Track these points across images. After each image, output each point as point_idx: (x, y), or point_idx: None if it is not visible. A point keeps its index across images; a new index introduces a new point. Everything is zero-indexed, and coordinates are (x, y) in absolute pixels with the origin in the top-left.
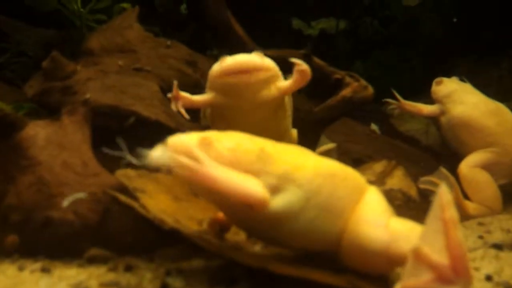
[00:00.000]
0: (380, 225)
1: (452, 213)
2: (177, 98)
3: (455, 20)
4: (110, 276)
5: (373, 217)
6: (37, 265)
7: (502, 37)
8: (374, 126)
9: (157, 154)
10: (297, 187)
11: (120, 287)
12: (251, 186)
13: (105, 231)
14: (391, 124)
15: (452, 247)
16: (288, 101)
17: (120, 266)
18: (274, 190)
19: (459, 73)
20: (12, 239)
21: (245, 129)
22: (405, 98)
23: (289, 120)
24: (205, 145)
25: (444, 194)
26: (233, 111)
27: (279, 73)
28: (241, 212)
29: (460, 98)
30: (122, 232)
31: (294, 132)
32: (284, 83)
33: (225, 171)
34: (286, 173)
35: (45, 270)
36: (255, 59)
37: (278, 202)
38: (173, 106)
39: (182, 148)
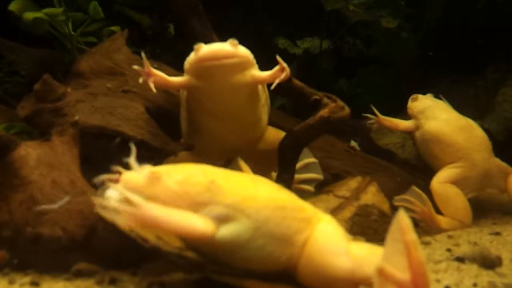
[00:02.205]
0: (342, 253)
1: (412, 235)
2: (149, 74)
3: (430, 53)
4: None
5: (334, 246)
6: (27, 278)
7: (478, 57)
8: (353, 143)
9: (109, 194)
10: (246, 217)
11: None
12: (193, 221)
13: (91, 246)
14: (371, 138)
15: (413, 265)
16: (262, 93)
17: (105, 280)
18: (223, 219)
19: (438, 92)
20: (2, 254)
21: (218, 113)
22: (388, 114)
23: (263, 110)
24: (154, 179)
25: (402, 219)
26: (207, 94)
27: (254, 62)
28: (192, 241)
29: (433, 114)
30: (107, 248)
31: (270, 129)
32: (259, 73)
33: (165, 210)
34: (235, 204)
35: (34, 284)
36: (228, 47)
37: (225, 232)
38: (141, 80)
39: (132, 184)
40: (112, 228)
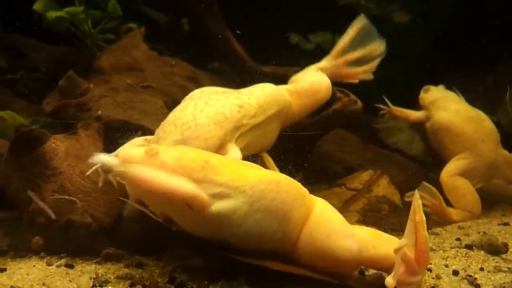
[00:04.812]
0: (349, 235)
1: (420, 215)
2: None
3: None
4: (125, 271)
5: (340, 228)
6: (62, 261)
7: (488, 52)
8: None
9: (106, 162)
10: (241, 193)
11: (134, 279)
12: (190, 187)
13: (118, 233)
14: (379, 137)
15: (419, 243)
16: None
17: (133, 264)
18: (219, 196)
19: (449, 87)
20: (37, 240)
21: None
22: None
23: None
24: (151, 155)
25: (415, 200)
26: None
27: None
28: (188, 216)
29: (443, 105)
30: (133, 235)
31: None
32: None
33: (164, 174)
34: (229, 181)
35: (69, 266)
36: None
37: (221, 206)
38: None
39: (129, 158)
40: (137, 217)
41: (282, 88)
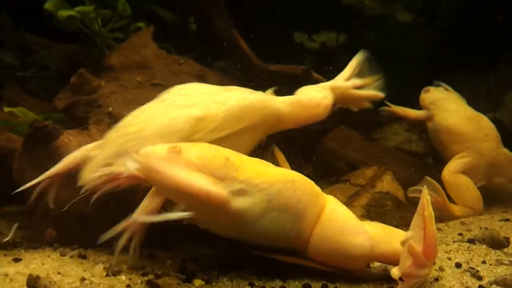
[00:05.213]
0: (361, 232)
1: (429, 211)
2: None
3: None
4: (137, 261)
5: (352, 226)
6: (75, 252)
7: (491, 52)
8: None
9: (131, 162)
10: (259, 191)
11: (146, 269)
12: (212, 186)
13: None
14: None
15: (427, 237)
16: None
17: (144, 254)
18: (238, 193)
19: (451, 86)
20: (50, 232)
21: None
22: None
23: None
24: (174, 153)
25: (424, 196)
26: None
27: None
28: (209, 214)
29: (443, 106)
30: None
31: None
32: None
33: (187, 172)
34: (248, 179)
35: (82, 256)
36: None
37: (241, 203)
38: None
39: (153, 156)
40: None
41: (273, 99)
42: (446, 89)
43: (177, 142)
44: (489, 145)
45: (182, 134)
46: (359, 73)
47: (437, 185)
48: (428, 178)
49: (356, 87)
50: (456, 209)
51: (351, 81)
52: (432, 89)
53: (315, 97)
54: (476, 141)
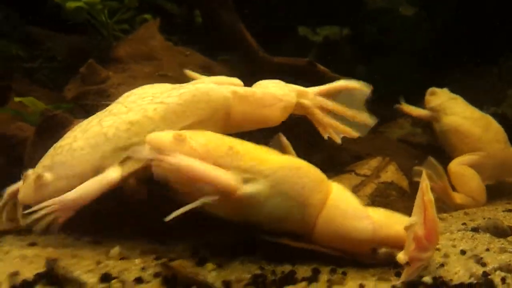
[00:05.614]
0: (364, 216)
1: (429, 195)
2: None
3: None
4: (149, 246)
5: (355, 210)
6: (89, 238)
7: (493, 46)
8: None
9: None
10: (263, 177)
11: (159, 253)
12: (222, 174)
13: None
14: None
15: (428, 221)
16: None
17: (155, 240)
18: (243, 181)
19: (454, 80)
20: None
21: None
22: (406, 100)
23: None
24: (179, 140)
25: (423, 181)
26: None
27: None
28: (217, 200)
29: (450, 108)
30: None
31: None
32: None
33: (198, 162)
34: (253, 167)
35: (95, 242)
36: None
37: (247, 189)
38: None
39: (159, 143)
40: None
41: (221, 88)
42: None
43: (110, 150)
44: (498, 145)
45: (115, 141)
46: (343, 100)
47: (440, 168)
48: (431, 159)
49: (325, 108)
50: (457, 197)
51: (324, 99)
52: (437, 91)
53: (272, 94)
54: (485, 142)
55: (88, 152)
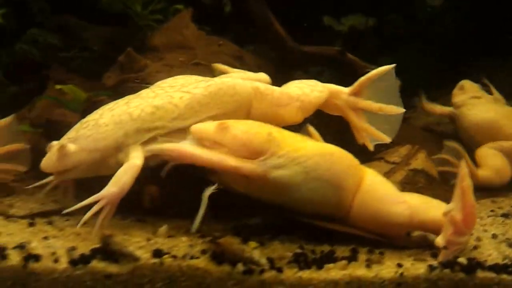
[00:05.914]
0: (401, 201)
1: (467, 181)
2: None
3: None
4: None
5: (392, 195)
6: (134, 218)
7: None
8: None
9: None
10: (297, 164)
11: (203, 232)
12: (245, 165)
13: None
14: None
15: (465, 206)
16: None
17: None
18: (277, 166)
19: (479, 71)
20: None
21: None
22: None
23: None
24: (222, 129)
25: (462, 169)
26: None
27: None
28: (249, 184)
29: (474, 105)
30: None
31: None
32: None
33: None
34: (288, 153)
35: (141, 221)
36: None
37: (280, 174)
38: None
39: (202, 132)
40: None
41: (246, 83)
42: (486, 85)
43: (133, 130)
44: None
45: (140, 120)
46: (376, 87)
47: (459, 147)
48: (447, 142)
49: (359, 108)
50: (480, 173)
51: (354, 98)
52: (466, 86)
53: (289, 93)
54: (510, 138)
55: (112, 129)
